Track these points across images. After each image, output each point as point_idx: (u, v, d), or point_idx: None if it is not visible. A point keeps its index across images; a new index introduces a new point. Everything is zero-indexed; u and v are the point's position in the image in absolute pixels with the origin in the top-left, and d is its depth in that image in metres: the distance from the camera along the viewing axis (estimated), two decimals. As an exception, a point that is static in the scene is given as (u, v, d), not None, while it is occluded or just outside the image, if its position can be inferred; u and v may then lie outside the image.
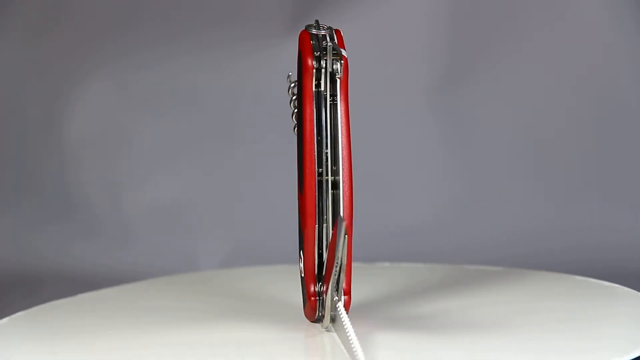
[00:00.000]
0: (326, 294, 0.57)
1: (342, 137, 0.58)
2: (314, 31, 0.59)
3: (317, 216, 0.59)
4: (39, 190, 1.06)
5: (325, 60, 0.58)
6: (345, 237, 0.54)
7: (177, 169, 1.05)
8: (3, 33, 1.07)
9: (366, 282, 0.68)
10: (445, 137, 1.05)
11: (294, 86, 0.60)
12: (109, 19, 1.08)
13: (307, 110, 0.59)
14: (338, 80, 0.58)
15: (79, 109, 1.06)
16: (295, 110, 0.59)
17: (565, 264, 0.94)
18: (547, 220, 1.01)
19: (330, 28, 0.59)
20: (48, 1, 1.07)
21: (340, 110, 0.58)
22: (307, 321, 0.60)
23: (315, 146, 0.59)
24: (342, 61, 0.58)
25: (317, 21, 0.59)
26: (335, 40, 0.59)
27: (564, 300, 0.67)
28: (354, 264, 0.60)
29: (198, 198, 1.04)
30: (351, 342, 0.51)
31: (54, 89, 1.07)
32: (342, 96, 0.58)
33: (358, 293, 0.61)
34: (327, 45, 0.58)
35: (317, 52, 0.58)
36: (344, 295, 0.58)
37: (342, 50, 0.58)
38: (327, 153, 0.59)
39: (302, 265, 0.59)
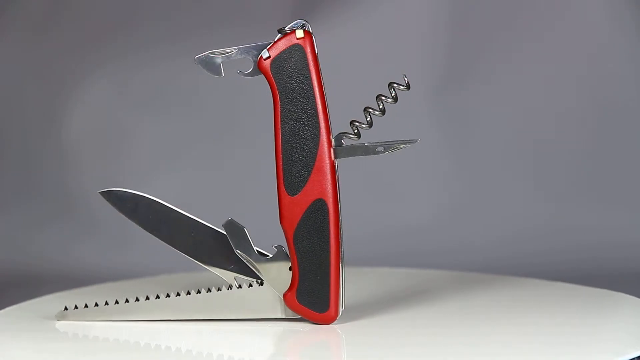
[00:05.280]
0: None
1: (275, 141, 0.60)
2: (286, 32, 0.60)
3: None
4: (39, 190, 1.06)
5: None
6: (236, 236, 0.61)
7: (177, 169, 1.05)
8: (3, 33, 1.08)
9: (358, 286, 0.68)
10: (445, 137, 1.05)
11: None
12: (109, 19, 1.08)
13: None
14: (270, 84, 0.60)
15: (78, 108, 1.06)
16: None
17: (563, 264, 0.94)
18: (547, 220, 1.01)
19: (302, 26, 0.60)
20: (48, 1, 1.07)
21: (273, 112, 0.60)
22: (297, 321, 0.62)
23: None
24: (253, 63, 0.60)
25: (305, 22, 0.60)
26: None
27: (559, 305, 0.67)
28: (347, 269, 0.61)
29: (197, 198, 1.04)
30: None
31: (54, 88, 1.07)
32: (273, 100, 0.60)
33: (350, 295, 0.62)
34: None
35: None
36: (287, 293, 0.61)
37: (264, 52, 0.60)
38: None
39: None
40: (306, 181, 0.60)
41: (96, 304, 0.62)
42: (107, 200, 0.64)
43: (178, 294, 0.61)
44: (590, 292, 0.70)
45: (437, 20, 1.05)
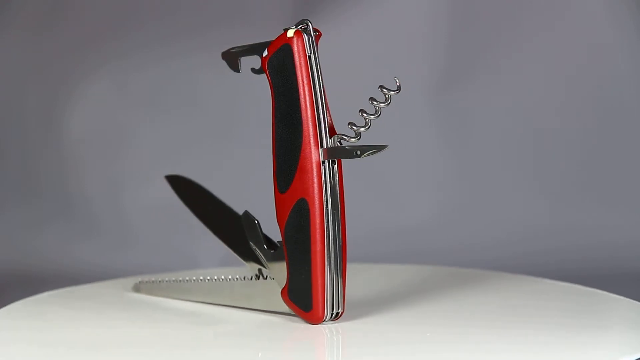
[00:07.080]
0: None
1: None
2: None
3: None
4: (39, 190, 1.06)
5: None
6: (249, 228, 0.63)
7: (177, 169, 1.05)
8: (3, 33, 1.08)
9: (355, 284, 0.69)
10: (444, 137, 1.05)
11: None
12: (109, 19, 1.08)
13: None
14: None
15: (78, 108, 1.07)
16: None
17: (563, 264, 0.94)
18: (546, 220, 1.01)
19: (304, 26, 0.60)
20: (48, 1, 1.08)
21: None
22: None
23: None
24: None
25: (307, 22, 0.60)
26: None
27: (558, 305, 0.67)
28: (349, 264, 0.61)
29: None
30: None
31: (54, 88, 1.07)
32: (271, 98, 0.61)
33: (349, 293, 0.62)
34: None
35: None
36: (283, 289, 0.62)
37: (265, 50, 0.60)
38: None
39: None
40: (292, 180, 0.60)
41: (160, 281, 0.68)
42: (169, 184, 0.69)
43: (216, 279, 0.66)
44: (589, 293, 0.70)
45: (437, 20, 1.05)
